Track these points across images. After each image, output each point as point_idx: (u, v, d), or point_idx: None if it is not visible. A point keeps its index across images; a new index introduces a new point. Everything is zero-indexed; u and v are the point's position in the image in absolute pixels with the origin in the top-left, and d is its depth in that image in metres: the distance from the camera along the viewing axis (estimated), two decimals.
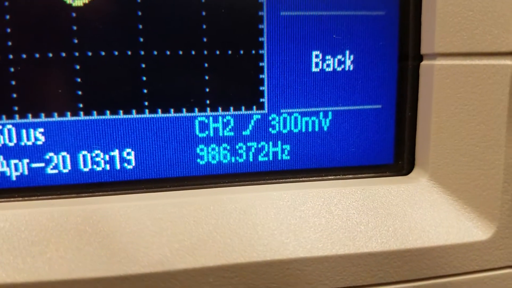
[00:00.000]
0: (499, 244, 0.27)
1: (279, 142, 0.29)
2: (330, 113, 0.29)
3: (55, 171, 0.27)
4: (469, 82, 0.27)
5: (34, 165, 0.27)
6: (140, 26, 0.26)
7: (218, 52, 0.27)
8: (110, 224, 0.25)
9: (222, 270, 0.24)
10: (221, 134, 0.28)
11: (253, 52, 0.28)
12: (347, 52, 0.28)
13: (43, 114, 0.26)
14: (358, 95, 0.29)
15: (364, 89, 0.29)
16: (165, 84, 0.27)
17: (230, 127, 0.28)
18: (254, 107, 0.28)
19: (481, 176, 0.27)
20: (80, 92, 0.26)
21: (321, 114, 0.29)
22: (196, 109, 0.28)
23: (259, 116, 0.29)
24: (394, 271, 0.26)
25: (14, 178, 0.27)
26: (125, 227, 0.25)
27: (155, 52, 0.27)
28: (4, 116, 0.26)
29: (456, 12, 0.26)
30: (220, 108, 0.28)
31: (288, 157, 0.30)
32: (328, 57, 0.28)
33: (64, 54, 0.26)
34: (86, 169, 0.27)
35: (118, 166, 0.28)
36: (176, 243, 0.25)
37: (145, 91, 0.27)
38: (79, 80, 0.26)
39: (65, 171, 0.27)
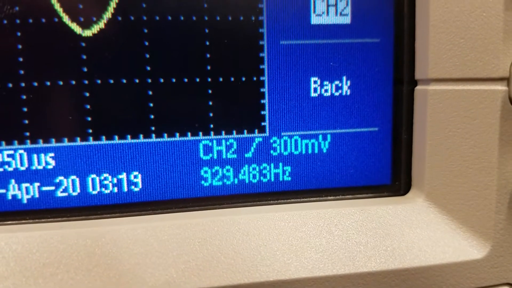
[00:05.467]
0: (494, 262, 0.28)
1: (280, 164, 0.30)
2: (329, 136, 0.30)
3: (65, 194, 0.28)
4: (462, 106, 0.27)
5: (44, 188, 0.28)
6: (147, 55, 0.27)
7: (221, 79, 0.28)
8: (118, 246, 0.26)
9: None
10: (224, 156, 0.29)
11: (255, 78, 0.28)
12: (344, 78, 0.29)
13: (53, 140, 0.27)
14: (356, 118, 0.30)
15: (361, 112, 0.30)
16: (171, 109, 0.28)
17: (233, 150, 0.29)
18: (256, 131, 0.29)
19: (475, 197, 0.28)
20: (89, 118, 0.27)
21: (320, 136, 0.30)
22: (201, 133, 0.29)
23: (260, 139, 0.30)
24: None
25: (25, 201, 0.28)
26: (132, 249, 0.26)
27: (162, 80, 0.28)
28: (16, 142, 0.27)
29: (448, 39, 0.27)
30: (223, 132, 0.29)
31: (289, 178, 0.30)
32: (326, 82, 0.29)
33: (74, 82, 0.27)
34: (94, 192, 0.28)
35: (125, 189, 0.28)
36: (181, 264, 0.25)
37: (152, 116, 0.28)
38: (88, 106, 0.27)
39: (75, 194, 0.28)
